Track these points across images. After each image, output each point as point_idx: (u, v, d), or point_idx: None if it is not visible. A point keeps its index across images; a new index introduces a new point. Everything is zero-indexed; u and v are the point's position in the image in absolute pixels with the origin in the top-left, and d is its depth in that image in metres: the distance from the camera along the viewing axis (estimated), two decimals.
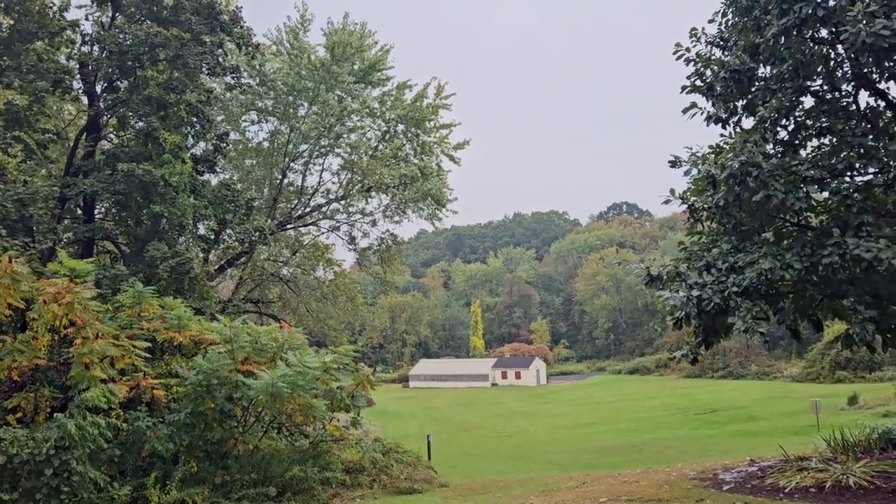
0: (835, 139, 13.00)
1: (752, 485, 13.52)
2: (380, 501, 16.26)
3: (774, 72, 13.12)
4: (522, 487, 17.73)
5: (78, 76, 23.07)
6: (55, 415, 13.80)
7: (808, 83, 13.03)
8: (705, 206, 13.53)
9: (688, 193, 14.19)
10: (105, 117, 23.68)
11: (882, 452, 15.44)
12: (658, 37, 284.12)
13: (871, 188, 12.45)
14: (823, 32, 12.49)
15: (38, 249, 19.31)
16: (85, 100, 24.23)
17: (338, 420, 19.38)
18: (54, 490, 12.81)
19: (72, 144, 23.33)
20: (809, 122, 13.18)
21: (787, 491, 12.41)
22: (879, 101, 13.21)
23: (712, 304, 12.20)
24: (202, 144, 27.03)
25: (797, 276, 11.65)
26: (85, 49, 23.14)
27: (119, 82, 22.87)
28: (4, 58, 21.10)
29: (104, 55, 22.02)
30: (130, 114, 22.74)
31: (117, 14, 23.39)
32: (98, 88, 23.44)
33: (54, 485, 12.78)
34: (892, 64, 11.91)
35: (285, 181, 35.67)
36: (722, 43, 14.68)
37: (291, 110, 33.18)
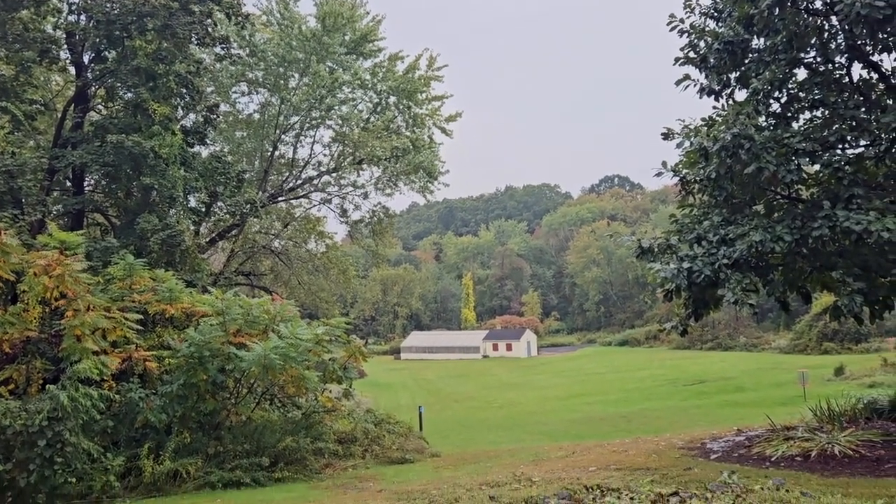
0: (827, 112, 13.00)
1: (739, 454, 13.71)
2: (372, 471, 16.42)
3: (768, 43, 13.06)
4: (513, 457, 17.94)
5: (65, 46, 22.74)
6: (47, 386, 13.82)
7: (802, 55, 12.98)
8: (697, 178, 13.54)
9: (680, 166, 14.19)
10: (93, 88, 23.39)
11: (867, 422, 15.67)
12: (654, 9, 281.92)
13: (863, 161, 12.49)
14: (818, 3, 12.44)
15: (27, 221, 19.19)
16: (72, 70, 23.91)
17: (330, 391, 19.52)
18: (48, 460, 12.87)
19: (60, 115, 23.06)
20: (802, 95, 13.17)
21: (773, 460, 12.61)
22: (872, 74, 13.20)
23: (703, 276, 12.25)
24: (192, 116, 26.76)
25: (787, 248, 11.71)
26: (72, 18, 22.76)
27: (107, 52, 22.55)
28: None
29: (91, 24, 21.68)
30: (119, 84, 22.46)
31: None
32: (85, 58, 23.12)
33: (48, 455, 12.85)
34: (885, 36, 11.88)
35: (276, 153, 35.43)
36: (716, 14, 14.56)
37: (282, 81, 32.82)
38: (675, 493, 9.28)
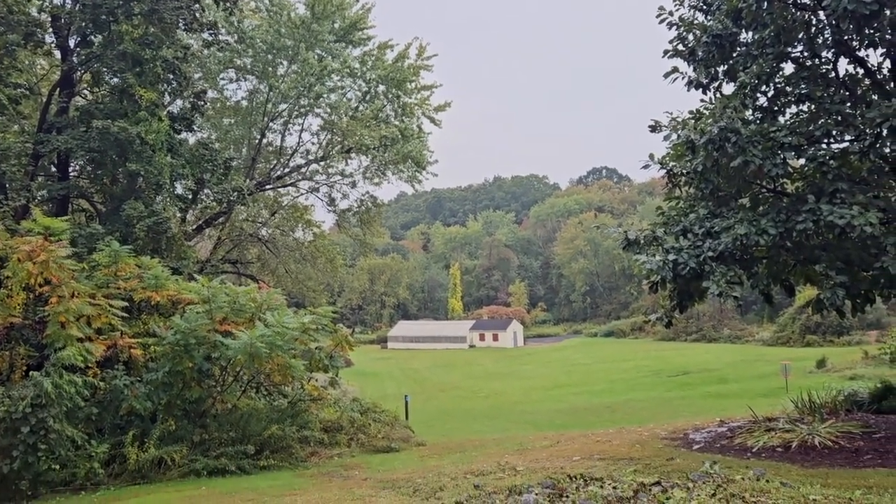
0: (813, 106, 13.11)
1: (721, 444, 13.87)
2: (357, 459, 16.47)
3: (756, 37, 13.13)
4: (498, 446, 18.04)
5: (50, 29, 22.43)
6: (31, 373, 13.74)
7: (789, 49, 13.07)
8: (684, 171, 13.62)
9: (667, 158, 14.26)
10: (79, 72, 23.13)
11: (847, 414, 15.88)
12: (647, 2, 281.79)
13: (847, 155, 12.60)
14: None
15: (11, 207, 19.02)
16: (58, 54, 23.62)
17: (316, 380, 19.52)
18: (31, 447, 12.82)
19: (45, 100, 22.80)
20: (789, 89, 13.27)
21: (754, 450, 12.76)
22: (858, 69, 13.31)
23: (688, 268, 12.35)
24: (179, 102, 26.55)
25: (772, 241, 11.82)
26: (57, 1, 22.48)
27: (93, 37, 22.29)
28: None
29: (77, 8, 21.42)
30: (105, 69, 22.22)
31: None
32: (71, 43, 22.84)
33: (31, 442, 12.79)
34: (872, 31, 11.96)
35: (264, 141, 35.24)
36: (705, 7, 14.62)
37: (270, 69, 32.60)
38: (658, 483, 9.38)
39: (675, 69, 14.14)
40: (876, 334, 63.03)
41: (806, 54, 13.16)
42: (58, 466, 13.15)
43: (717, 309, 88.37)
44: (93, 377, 14.53)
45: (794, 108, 13.65)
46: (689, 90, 14.25)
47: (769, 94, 13.48)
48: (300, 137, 36.97)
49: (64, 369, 13.64)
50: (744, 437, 13.87)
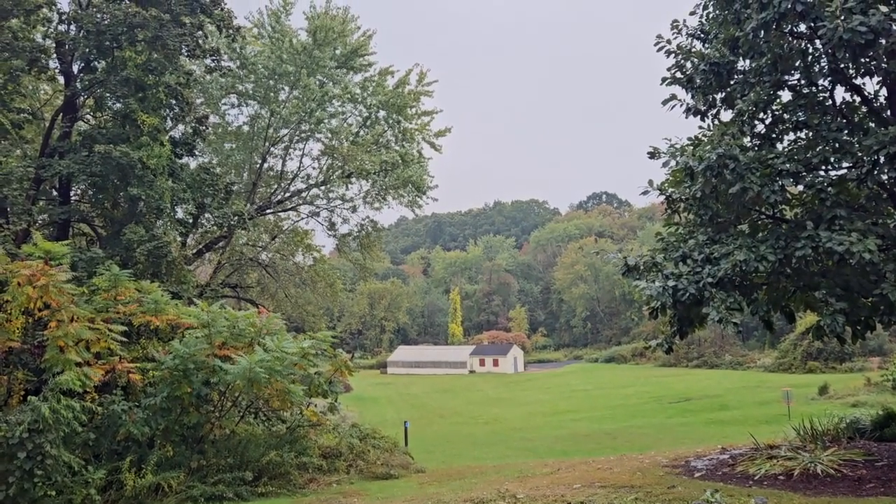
0: (811, 133, 13.19)
1: (722, 472, 13.76)
2: (356, 486, 16.33)
3: (753, 65, 13.26)
4: (498, 473, 17.90)
5: (54, 55, 22.68)
6: (29, 398, 13.70)
7: (786, 77, 13.19)
8: (683, 197, 13.67)
9: (666, 185, 14.32)
10: (82, 98, 23.33)
11: (849, 441, 15.76)
12: (641, 27, 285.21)
13: (845, 182, 12.67)
14: (802, 27, 12.62)
15: (12, 231, 19.07)
16: (61, 79, 23.85)
17: (315, 405, 19.42)
18: (27, 473, 12.73)
19: (48, 125, 22.97)
20: (786, 116, 13.35)
21: (756, 478, 12.65)
22: (855, 97, 13.42)
23: (688, 294, 12.34)
24: (181, 127, 26.73)
25: (771, 267, 11.82)
26: (62, 28, 22.75)
27: (96, 62, 22.52)
28: None
29: (81, 34, 21.66)
30: (108, 95, 22.41)
31: None
32: (75, 68, 23.07)
33: (28, 468, 12.71)
34: (867, 60, 12.08)
35: (265, 166, 35.43)
36: (702, 35, 14.79)
37: (272, 94, 32.89)
38: None
39: (674, 96, 14.26)
40: (878, 361, 62.74)
41: (803, 82, 13.27)
42: (54, 493, 13.05)
43: (717, 335, 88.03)
44: (91, 402, 14.48)
45: (791, 136, 13.73)
46: (687, 117, 14.36)
47: (767, 122, 13.58)
48: (301, 162, 37.33)
49: (62, 394, 13.59)
50: (746, 465, 13.76)
